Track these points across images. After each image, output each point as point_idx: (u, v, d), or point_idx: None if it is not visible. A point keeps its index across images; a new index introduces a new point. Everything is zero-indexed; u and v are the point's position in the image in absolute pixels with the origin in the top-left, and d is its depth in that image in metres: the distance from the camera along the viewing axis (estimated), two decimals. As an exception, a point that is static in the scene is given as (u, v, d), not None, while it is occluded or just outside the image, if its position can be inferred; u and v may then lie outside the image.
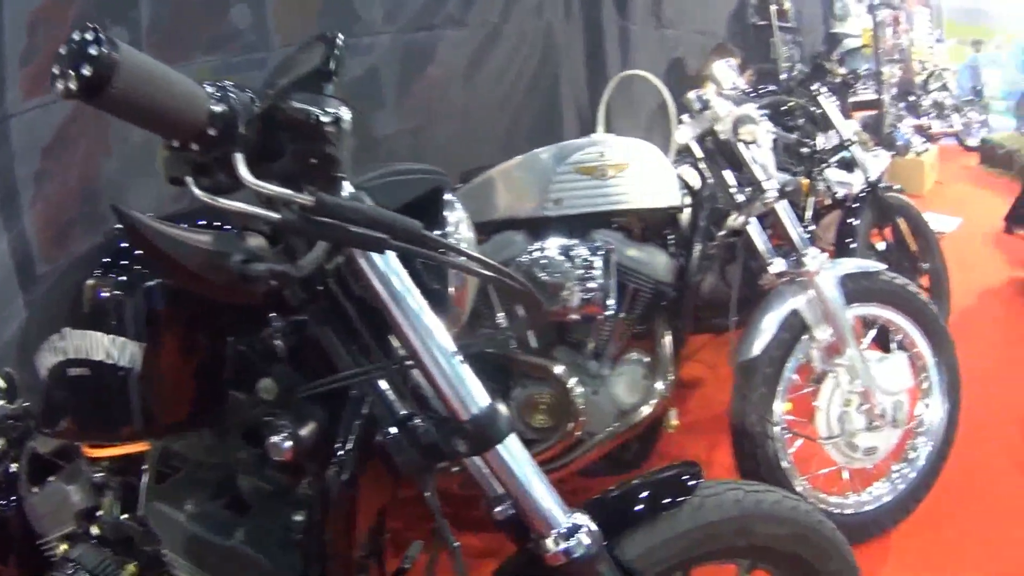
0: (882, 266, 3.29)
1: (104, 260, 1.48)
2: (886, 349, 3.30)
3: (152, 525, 1.57)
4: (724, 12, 7.92)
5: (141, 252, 1.38)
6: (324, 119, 1.16)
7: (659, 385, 3.08)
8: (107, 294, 1.43)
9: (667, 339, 3.17)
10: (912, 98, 12.77)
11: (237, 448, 1.50)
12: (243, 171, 1.14)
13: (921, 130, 11.85)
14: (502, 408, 1.32)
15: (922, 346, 3.30)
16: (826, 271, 3.06)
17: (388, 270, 1.27)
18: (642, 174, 3.01)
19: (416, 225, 1.19)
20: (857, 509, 3.17)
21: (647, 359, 3.14)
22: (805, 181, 3.27)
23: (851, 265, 3.21)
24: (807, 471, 3.15)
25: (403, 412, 1.36)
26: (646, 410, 3.02)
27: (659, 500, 1.53)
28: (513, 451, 1.35)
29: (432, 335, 1.29)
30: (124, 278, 1.44)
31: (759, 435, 3.00)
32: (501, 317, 3.00)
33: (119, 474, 1.67)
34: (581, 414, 2.96)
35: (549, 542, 1.37)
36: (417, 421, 1.35)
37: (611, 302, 2.97)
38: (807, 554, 1.67)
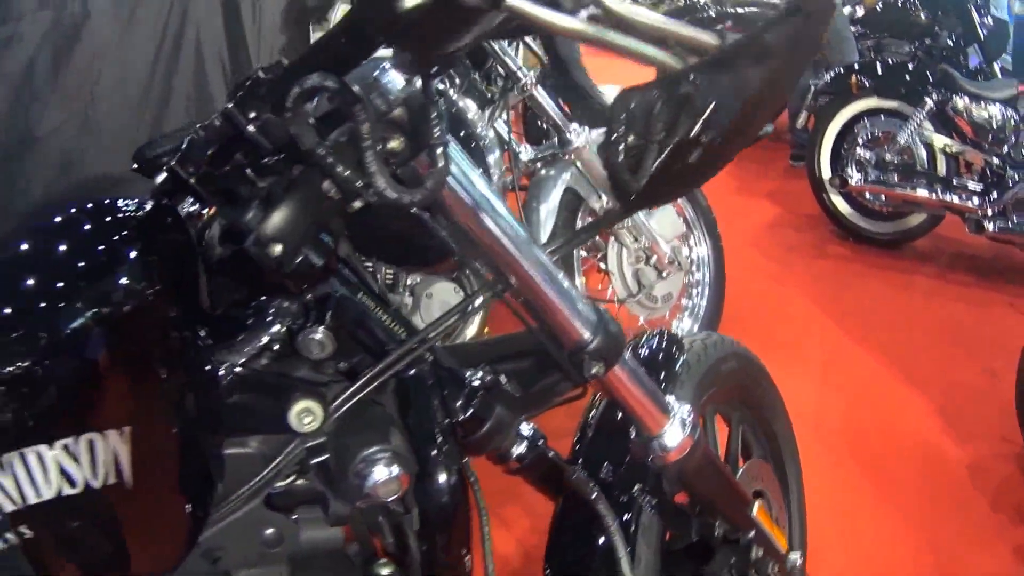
0: (624, 129, 3.45)
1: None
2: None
3: None
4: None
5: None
6: None
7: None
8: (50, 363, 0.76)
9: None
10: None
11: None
12: None
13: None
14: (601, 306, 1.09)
15: (676, 193, 3.54)
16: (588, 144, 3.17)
17: (470, 171, 0.95)
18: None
19: None
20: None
21: (448, 273, 3.09)
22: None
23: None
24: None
25: (467, 372, 1.09)
26: (476, 321, 2.98)
27: (671, 367, 1.52)
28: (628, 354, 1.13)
29: (534, 247, 1.00)
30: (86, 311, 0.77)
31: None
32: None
33: None
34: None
35: (673, 432, 1.22)
36: (481, 376, 1.08)
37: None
38: (747, 382, 1.80)
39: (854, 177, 4.49)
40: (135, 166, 2.77)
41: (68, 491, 0.75)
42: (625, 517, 1.33)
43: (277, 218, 0.81)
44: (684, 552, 1.45)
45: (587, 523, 1.31)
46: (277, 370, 0.96)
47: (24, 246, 0.80)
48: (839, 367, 3.50)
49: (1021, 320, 3.38)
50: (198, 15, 4.08)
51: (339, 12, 4.92)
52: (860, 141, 4.56)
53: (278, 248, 0.82)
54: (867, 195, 4.52)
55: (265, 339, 0.94)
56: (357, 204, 0.84)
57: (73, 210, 0.84)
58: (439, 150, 0.81)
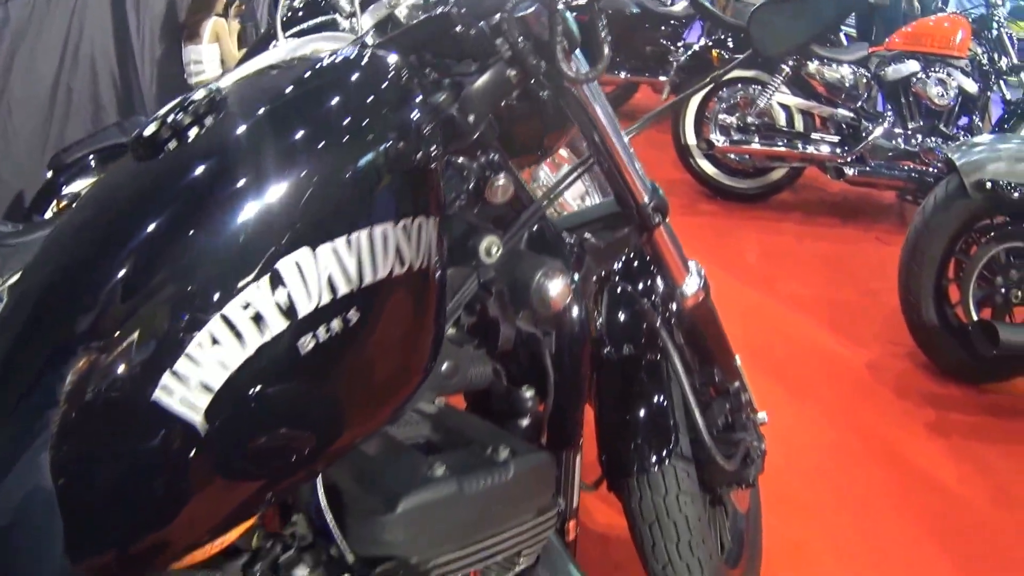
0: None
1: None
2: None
3: None
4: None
5: None
6: None
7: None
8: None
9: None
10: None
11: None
12: None
13: None
14: None
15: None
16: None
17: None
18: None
19: None
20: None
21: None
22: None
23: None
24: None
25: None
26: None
27: None
28: None
29: (619, 128, 1.32)
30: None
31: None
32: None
33: None
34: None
35: (691, 282, 1.57)
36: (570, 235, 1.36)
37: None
38: None
39: (720, 140, 4.85)
40: (50, 173, 2.86)
41: (398, 271, 0.86)
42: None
43: (475, 94, 1.05)
44: None
45: (627, 388, 1.59)
46: (461, 216, 1.15)
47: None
48: (729, 299, 3.74)
49: (889, 250, 3.74)
50: (93, 29, 4.28)
51: (209, 28, 4.96)
52: (722, 107, 4.93)
53: (472, 117, 1.04)
54: (732, 156, 4.92)
55: (455, 190, 1.13)
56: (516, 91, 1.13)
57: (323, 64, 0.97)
58: (605, 48, 1.09)
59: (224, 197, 0.77)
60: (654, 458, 1.56)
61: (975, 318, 3.04)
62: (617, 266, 1.58)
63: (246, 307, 0.74)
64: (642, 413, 1.58)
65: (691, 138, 5.07)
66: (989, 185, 2.97)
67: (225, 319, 0.74)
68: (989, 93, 4.94)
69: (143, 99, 4.60)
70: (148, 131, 0.82)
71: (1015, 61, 4.89)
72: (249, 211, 0.77)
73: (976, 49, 4.89)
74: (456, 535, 1.05)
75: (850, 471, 2.63)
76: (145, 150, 0.81)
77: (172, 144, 0.80)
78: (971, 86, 4.80)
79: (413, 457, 1.08)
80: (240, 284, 0.74)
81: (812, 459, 2.65)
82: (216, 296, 0.74)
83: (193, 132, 0.80)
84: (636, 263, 1.61)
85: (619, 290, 1.61)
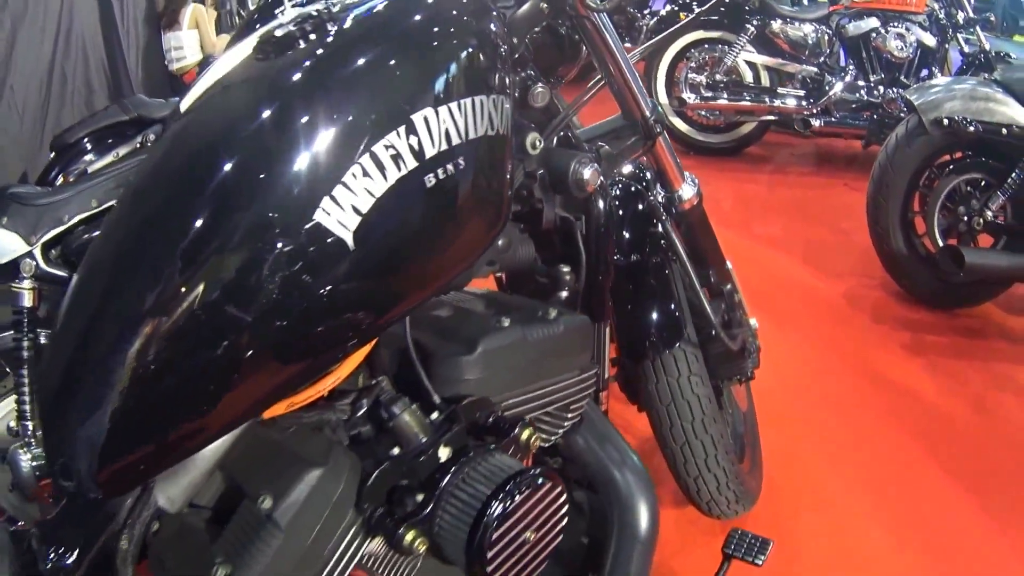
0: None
1: None
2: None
3: None
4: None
5: None
6: None
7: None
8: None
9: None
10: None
11: None
12: None
13: None
14: None
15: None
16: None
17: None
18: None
19: None
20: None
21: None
22: None
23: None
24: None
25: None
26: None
27: None
28: None
29: (624, 52, 1.53)
30: None
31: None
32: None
33: None
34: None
35: (687, 188, 1.79)
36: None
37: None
38: None
39: (690, 97, 5.03)
40: (52, 154, 2.99)
41: (490, 132, 1.08)
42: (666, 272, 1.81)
43: (517, 20, 1.30)
44: None
45: (638, 287, 1.78)
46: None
47: None
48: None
49: (857, 195, 3.91)
50: (82, 17, 4.54)
51: (188, 15, 5.07)
52: (691, 67, 5.12)
53: (515, 39, 1.28)
54: (703, 112, 5.13)
55: None
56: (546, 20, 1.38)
57: None
58: None
59: (367, 69, 0.98)
60: (666, 344, 1.76)
61: (941, 245, 3.24)
62: (619, 188, 1.77)
63: (388, 148, 0.95)
64: (653, 307, 1.78)
65: (663, 97, 5.28)
66: (946, 122, 3.18)
67: (373, 156, 0.94)
68: (947, 46, 5.16)
69: (131, 83, 4.87)
70: (279, 33, 0.99)
71: (971, 15, 5.09)
72: (387, 79, 0.99)
73: (933, 5, 5.11)
74: (520, 379, 1.25)
75: (836, 388, 2.83)
76: (275, 48, 0.99)
77: (301, 43, 0.99)
78: (929, 40, 5.04)
79: (482, 315, 1.29)
80: (383, 130, 0.95)
81: (799, 379, 2.85)
82: (366, 139, 0.94)
83: (314, 36, 0.99)
84: (633, 187, 1.79)
85: (627, 191, 1.78)
